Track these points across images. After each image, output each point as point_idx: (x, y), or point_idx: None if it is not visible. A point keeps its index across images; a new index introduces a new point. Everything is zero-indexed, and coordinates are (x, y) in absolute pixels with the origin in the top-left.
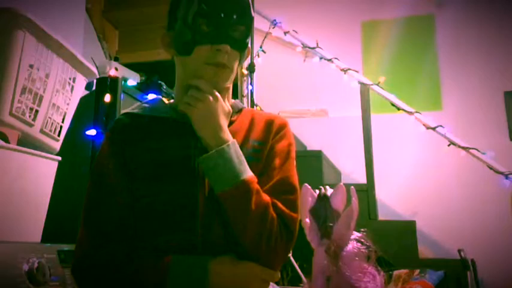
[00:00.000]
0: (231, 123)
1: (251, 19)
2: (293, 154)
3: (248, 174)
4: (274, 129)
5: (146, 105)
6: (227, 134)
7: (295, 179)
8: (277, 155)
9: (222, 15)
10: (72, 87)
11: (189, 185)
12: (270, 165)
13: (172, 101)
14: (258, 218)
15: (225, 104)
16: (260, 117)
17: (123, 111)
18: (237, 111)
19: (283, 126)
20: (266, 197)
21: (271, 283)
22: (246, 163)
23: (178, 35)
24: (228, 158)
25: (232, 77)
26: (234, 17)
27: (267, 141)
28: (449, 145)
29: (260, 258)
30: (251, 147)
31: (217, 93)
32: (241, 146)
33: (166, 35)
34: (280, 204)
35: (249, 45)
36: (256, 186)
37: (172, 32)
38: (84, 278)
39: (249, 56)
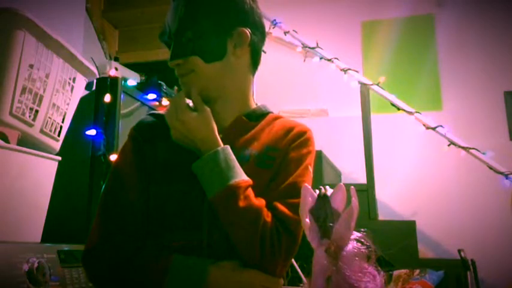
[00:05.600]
0: (251, 128)
1: (198, 15)
2: (309, 161)
3: (236, 179)
4: (291, 137)
5: None
6: (212, 142)
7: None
8: (291, 162)
9: (171, 30)
10: (72, 87)
11: (197, 187)
12: (282, 171)
13: None
14: (247, 223)
15: (202, 109)
16: (281, 123)
17: (149, 112)
18: (260, 115)
19: (301, 134)
20: (259, 202)
21: None
22: (237, 169)
23: None
24: (213, 165)
25: (204, 78)
26: (178, 30)
27: (282, 148)
28: (449, 145)
29: (257, 264)
30: (266, 154)
31: (183, 104)
32: (257, 153)
33: None
34: (282, 207)
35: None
36: (247, 191)
37: None
38: (92, 267)
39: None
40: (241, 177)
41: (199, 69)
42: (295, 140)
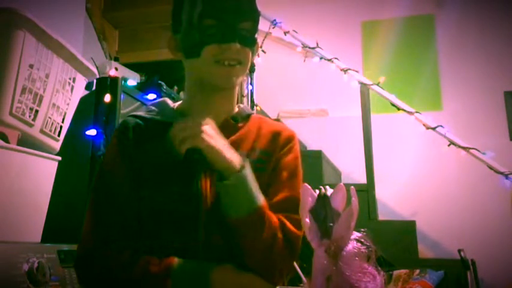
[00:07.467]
0: (237, 130)
1: (257, 13)
2: (300, 169)
3: (262, 199)
4: (281, 141)
5: (152, 107)
6: (238, 159)
7: None
8: (284, 170)
9: (228, 12)
10: (72, 87)
11: (192, 189)
12: (276, 180)
13: (178, 103)
14: (268, 244)
15: (211, 125)
16: (267, 126)
17: (130, 113)
18: (245, 116)
19: (290, 139)
20: (275, 220)
21: None
22: (257, 185)
23: (185, 38)
24: (246, 184)
25: (244, 74)
26: (240, 13)
27: (273, 152)
28: (449, 145)
29: (262, 273)
30: (257, 157)
31: (208, 122)
32: (247, 156)
33: (172, 38)
34: (287, 223)
35: (258, 39)
36: (268, 211)
37: (178, 35)
38: (87, 274)
39: (257, 52)
40: (262, 196)
41: (245, 65)
42: (285, 146)
